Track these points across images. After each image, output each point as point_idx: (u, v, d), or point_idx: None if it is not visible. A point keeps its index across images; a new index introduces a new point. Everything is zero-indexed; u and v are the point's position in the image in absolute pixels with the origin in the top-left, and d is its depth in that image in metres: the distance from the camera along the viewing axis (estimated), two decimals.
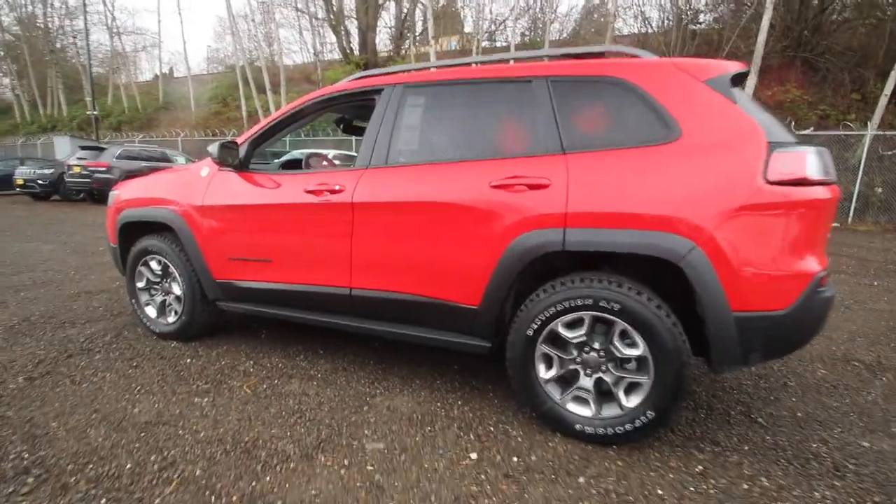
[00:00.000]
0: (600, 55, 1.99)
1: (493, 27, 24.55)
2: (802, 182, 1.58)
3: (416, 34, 25.00)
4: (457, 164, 1.96)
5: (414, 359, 2.62)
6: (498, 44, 24.39)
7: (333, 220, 2.18)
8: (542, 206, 1.76)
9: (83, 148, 12.47)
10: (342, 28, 24.55)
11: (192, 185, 2.63)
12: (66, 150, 18.91)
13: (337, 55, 27.26)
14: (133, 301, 3.00)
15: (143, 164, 11.97)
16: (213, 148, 2.34)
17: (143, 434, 1.88)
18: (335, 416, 2.02)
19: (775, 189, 1.57)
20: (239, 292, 2.58)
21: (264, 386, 2.30)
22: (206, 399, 2.16)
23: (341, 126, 3.12)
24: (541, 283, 1.87)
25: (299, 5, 28.46)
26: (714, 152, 1.64)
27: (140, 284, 2.95)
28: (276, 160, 5.02)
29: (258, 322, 3.25)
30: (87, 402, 2.15)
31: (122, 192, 3.00)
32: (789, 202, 1.57)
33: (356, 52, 23.76)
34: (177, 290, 2.80)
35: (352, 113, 2.99)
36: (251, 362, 2.59)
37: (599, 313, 1.71)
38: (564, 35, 22.90)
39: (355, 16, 24.46)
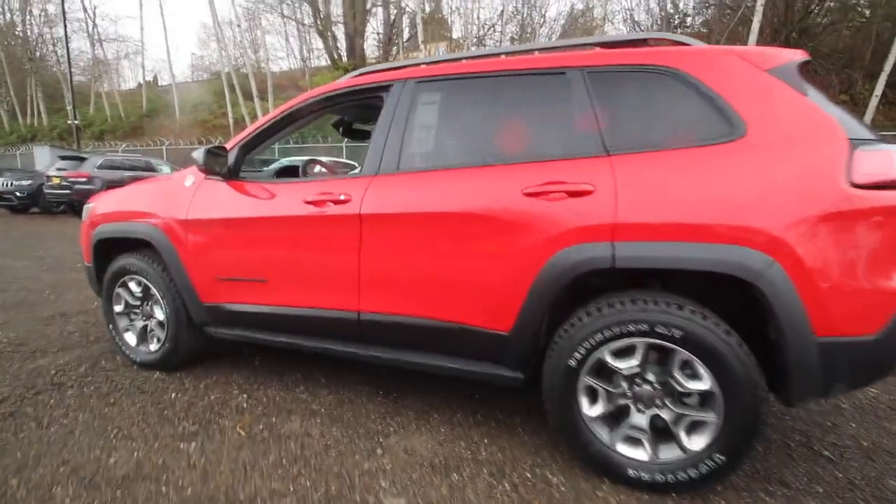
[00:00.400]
0: (643, 42, 1.76)
1: (481, 32, 24.49)
2: (892, 185, 1.36)
3: (405, 40, 24.85)
4: (481, 170, 1.71)
5: (427, 387, 2.35)
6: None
7: (338, 235, 1.91)
8: (585, 216, 1.51)
9: (63, 158, 12.00)
10: (330, 34, 24.31)
11: (174, 196, 2.34)
12: (46, 161, 18.29)
13: (325, 61, 26.98)
14: (111, 327, 2.69)
15: (127, 173, 11.53)
16: (199, 154, 2.06)
17: (119, 492, 1.59)
18: (345, 462, 1.75)
19: (862, 194, 1.34)
20: (229, 316, 2.29)
21: (261, 426, 2.01)
22: (193, 444, 1.87)
23: (340, 129, 2.85)
24: (573, 305, 1.63)
25: (285, 11, 28.19)
26: (786, 152, 1.41)
27: (118, 308, 2.65)
28: (266, 168, 4.74)
29: (251, 347, 2.95)
30: (55, 450, 1.85)
31: (97, 206, 2.70)
32: (880, 209, 1.34)
33: (344, 58, 23.52)
34: (159, 314, 2.50)
35: (353, 114, 2.73)
36: (244, 395, 2.30)
37: (656, 340, 1.46)
38: (554, 39, 22.90)
39: (343, 21, 24.25)
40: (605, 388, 1.58)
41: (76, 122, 20.45)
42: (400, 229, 1.80)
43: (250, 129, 2.24)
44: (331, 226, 1.92)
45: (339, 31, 25.69)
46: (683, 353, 1.45)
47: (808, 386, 1.41)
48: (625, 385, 1.56)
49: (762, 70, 1.50)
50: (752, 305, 1.46)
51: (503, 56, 1.88)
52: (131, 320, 2.66)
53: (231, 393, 2.33)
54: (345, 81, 2.10)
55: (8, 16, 30.96)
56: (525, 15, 23.30)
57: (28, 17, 30.04)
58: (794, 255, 1.34)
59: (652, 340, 1.47)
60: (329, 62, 25.57)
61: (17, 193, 12.36)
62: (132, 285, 2.56)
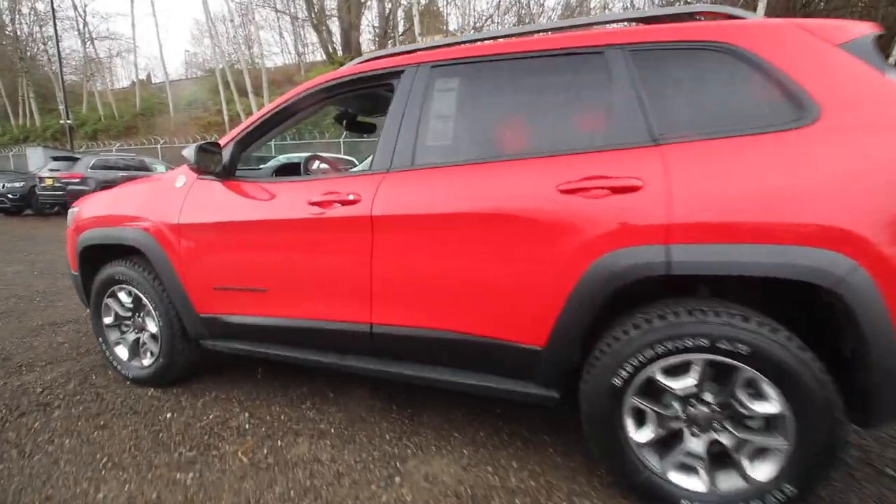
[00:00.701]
0: (689, 17, 1.56)
1: (478, 24, 24.14)
2: None
3: (400, 33, 24.48)
4: (508, 164, 1.51)
5: (444, 401, 2.17)
6: None
7: (347, 239, 1.72)
8: (633, 214, 1.32)
9: (55, 159, 11.75)
10: (324, 28, 23.93)
11: (165, 198, 2.14)
12: (39, 162, 17.99)
13: (320, 56, 26.64)
14: (101, 340, 2.50)
15: (121, 173, 11.29)
16: (190, 152, 1.86)
17: None
18: (360, 494, 1.56)
19: None
20: (227, 329, 2.10)
21: (265, 450, 1.83)
22: (190, 474, 1.69)
23: (343, 123, 2.64)
24: (615, 316, 1.44)
25: (279, 6, 27.79)
26: (868, 138, 1.22)
27: (108, 320, 2.45)
28: (263, 167, 4.52)
29: (253, 359, 2.76)
30: (38, 484, 1.66)
31: (82, 209, 2.50)
32: None
33: (340, 53, 23.18)
34: (152, 326, 2.31)
35: (358, 106, 2.52)
36: (246, 414, 2.11)
37: (717, 357, 1.28)
38: None
39: (337, 15, 23.87)
40: (654, 410, 1.39)
41: (69, 121, 20.13)
42: (416, 233, 1.60)
43: (246, 123, 2.04)
44: (338, 229, 1.73)
45: (334, 26, 25.30)
46: (749, 372, 1.26)
47: (893, 407, 1.23)
48: (678, 406, 1.38)
49: (833, 45, 1.31)
50: (819, 315, 1.28)
51: (529, 35, 1.67)
52: (122, 333, 2.47)
53: (232, 411, 2.14)
54: (349, 68, 1.89)
55: None
56: (523, 4, 22.97)
57: (17, 15, 29.56)
58: (881, 257, 1.16)
59: (712, 357, 1.28)
60: (324, 56, 25.20)
61: (10, 196, 12.13)
62: (122, 296, 2.37)
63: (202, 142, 1.90)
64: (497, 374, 1.62)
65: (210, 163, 1.92)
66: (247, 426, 2.02)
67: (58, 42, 20.26)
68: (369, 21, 26.12)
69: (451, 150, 1.67)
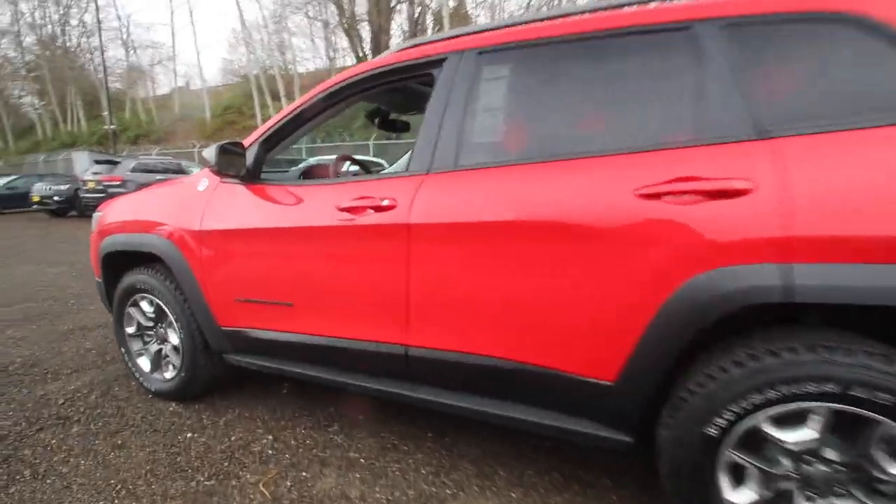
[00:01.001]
0: None
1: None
2: None
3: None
4: (573, 163, 1.27)
5: (485, 429, 1.93)
6: None
7: (380, 250, 1.52)
8: (739, 225, 1.06)
9: (98, 162, 12.17)
10: (355, 32, 24.16)
11: (187, 202, 2.00)
12: (84, 165, 18.83)
13: (350, 60, 26.90)
14: (123, 350, 2.39)
15: (159, 176, 11.57)
16: (210, 152, 1.70)
17: None
18: None
19: None
20: (251, 344, 1.94)
21: (288, 482, 1.64)
22: None
23: (376, 120, 2.45)
24: (705, 348, 1.18)
25: (311, 12, 28.26)
26: None
27: (130, 330, 2.34)
28: (292, 169, 4.41)
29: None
30: None
31: (106, 214, 2.40)
32: None
33: (369, 56, 23.32)
34: (174, 338, 2.18)
35: (392, 101, 2.33)
36: (270, 437, 1.94)
37: (848, 407, 1.00)
38: None
39: (367, 19, 24.04)
40: (758, 467, 1.13)
41: (112, 126, 21.01)
42: (461, 244, 1.38)
43: (272, 121, 1.87)
44: (371, 238, 1.53)
45: (364, 30, 25.53)
46: (892, 426, 0.98)
47: None
48: (789, 463, 1.11)
49: None
50: None
51: (594, 12, 1.42)
52: (145, 343, 2.35)
53: (255, 433, 1.98)
54: (386, 58, 1.69)
55: (49, 28, 32.23)
56: (555, 4, 22.52)
57: (67, 27, 31.17)
58: None
59: (840, 406, 1.01)
60: (354, 61, 25.45)
61: (56, 198, 12.65)
62: (144, 305, 2.25)
63: (224, 142, 1.75)
64: (555, 411, 1.38)
65: (232, 165, 1.76)
66: (270, 451, 1.84)
67: (102, 52, 21.21)
68: (399, 24, 26.24)
69: (503, 149, 1.44)
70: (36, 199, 12.84)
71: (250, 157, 1.85)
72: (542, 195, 1.28)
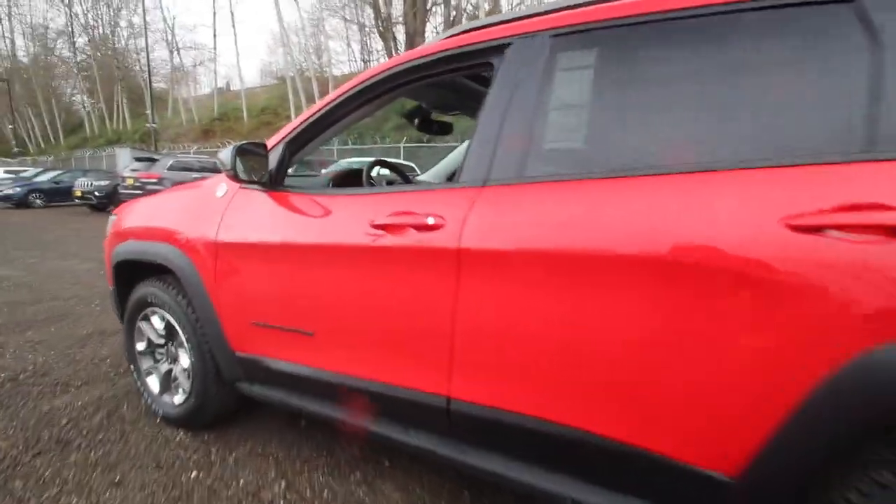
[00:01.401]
0: None
1: None
2: None
3: None
4: (689, 179, 0.95)
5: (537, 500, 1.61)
6: None
7: (422, 277, 1.23)
8: None
9: (137, 159, 12.45)
10: (391, 34, 24.22)
11: (203, 210, 1.77)
12: (126, 162, 19.50)
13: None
14: (132, 367, 2.19)
15: (195, 174, 11.72)
16: (226, 155, 1.46)
17: None
18: None
19: None
20: (267, 374, 1.68)
21: None
22: None
23: (415, 121, 2.18)
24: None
25: (347, 16, 28.59)
26: None
27: (140, 346, 2.14)
28: (323, 171, 4.18)
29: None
30: None
31: (120, 218, 2.21)
32: None
33: None
34: (184, 360, 1.95)
35: (436, 98, 2.04)
36: (283, 482, 1.68)
37: None
38: None
39: (403, 21, 24.06)
40: None
41: (154, 125, 21.67)
42: (527, 277, 1.08)
43: (300, 119, 1.62)
44: (410, 263, 1.24)
45: (399, 33, 25.57)
46: None
47: None
48: None
49: None
50: None
51: None
52: (155, 362, 2.14)
53: (266, 476, 1.72)
54: (432, 46, 1.41)
55: (100, 29, 33.79)
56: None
57: (117, 28, 32.57)
58: None
59: None
60: None
61: (97, 193, 13.02)
62: (155, 320, 2.03)
63: (243, 142, 1.50)
64: (642, 499, 1.06)
65: (252, 169, 1.52)
66: (281, 502, 1.58)
67: (148, 53, 21.92)
68: (434, 27, 26.17)
69: (586, 157, 1.12)
70: (78, 193, 13.25)
71: (273, 159, 1.60)
72: (645, 221, 0.96)
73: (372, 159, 2.07)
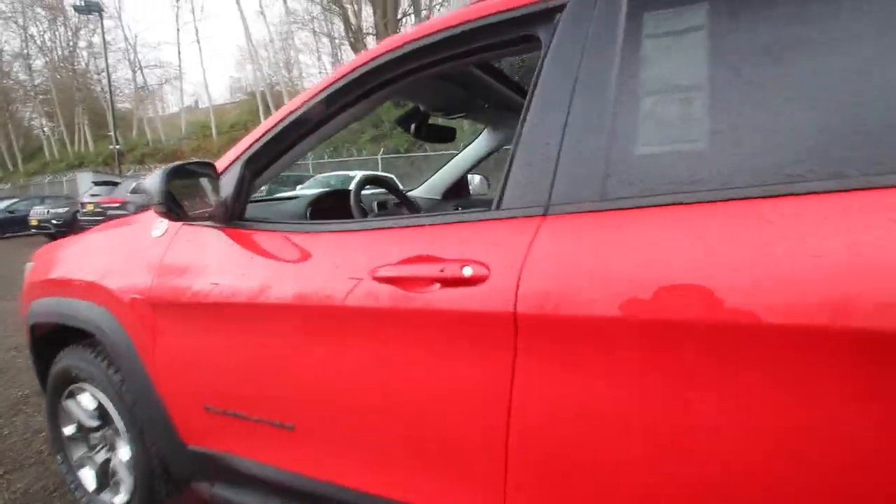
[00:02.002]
0: None
1: None
2: None
3: None
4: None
5: None
6: None
7: (456, 357, 0.82)
8: None
9: (96, 184, 11.69)
10: (362, 45, 23.88)
11: (134, 255, 1.32)
12: (87, 187, 18.51)
13: None
14: (59, 458, 1.70)
15: None
16: (154, 183, 1.01)
17: None
18: None
19: None
20: (232, 475, 1.23)
21: None
22: None
23: (411, 127, 1.75)
24: None
25: (316, 28, 28.17)
26: None
27: (68, 430, 1.65)
28: (298, 191, 3.70)
29: None
30: None
31: (38, 265, 1.72)
32: None
33: None
34: (123, 451, 1.48)
35: (437, 97, 1.62)
36: None
37: None
38: None
39: (374, 32, 23.77)
40: None
41: (117, 146, 20.74)
42: (632, 361, 0.68)
43: (263, 127, 1.19)
44: (436, 336, 0.83)
45: (371, 44, 25.24)
46: None
47: None
48: None
49: None
50: None
51: None
52: (91, 448, 1.65)
53: None
54: (450, 16, 0.99)
55: (59, 51, 32.46)
56: None
57: (76, 49, 31.33)
58: None
59: None
60: None
61: (54, 221, 12.17)
62: (83, 399, 1.56)
63: (180, 163, 1.06)
64: None
65: (196, 199, 1.07)
66: None
67: (108, 73, 21.05)
68: None
69: (707, 164, 0.72)
70: (34, 222, 12.38)
71: (228, 184, 1.17)
72: (844, 267, 0.56)
73: (360, 174, 1.64)
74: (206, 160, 1.14)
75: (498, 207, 0.83)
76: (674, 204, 0.69)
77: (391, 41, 1.05)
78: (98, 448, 1.62)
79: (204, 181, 1.11)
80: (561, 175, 0.78)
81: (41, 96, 32.00)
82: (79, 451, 1.66)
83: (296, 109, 1.13)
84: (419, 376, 0.86)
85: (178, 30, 35.61)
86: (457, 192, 2.40)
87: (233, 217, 1.17)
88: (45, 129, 31.94)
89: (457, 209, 2.34)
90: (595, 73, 0.78)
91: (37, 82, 32.90)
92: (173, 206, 1.03)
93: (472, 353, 0.79)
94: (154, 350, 1.26)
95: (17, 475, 1.99)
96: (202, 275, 1.16)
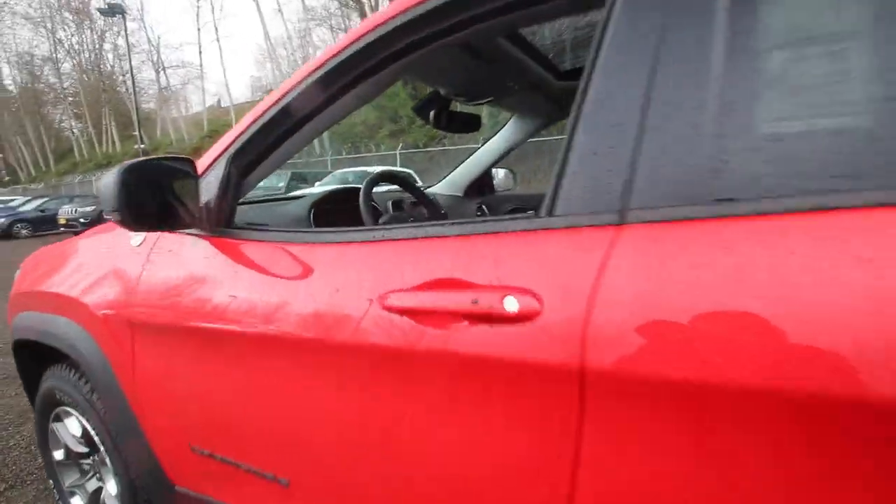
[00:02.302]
0: None
1: None
2: None
3: None
4: None
5: None
6: None
7: (498, 417, 0.60)
8: None
9: None
10: None
11: (112, 267, 1.14)
12: None
13: None
14: (51, 483, 1.56)
15: None
16: (107, 185, 0.81)
17: None
18: None
19: None
20: None
21: None
22: None
23: (430, 115, 1.52)
24: None
25: (334, 24, 28.15)
26: None
27: (58, 455, 1.51)
28: (316, 187, 3.50)
29: None
30: None
31: (25, 273, 1.58)
32: None
33: None
34: (111, 484, 1.32)
35: (461, 79, 1.38)
36: None
37: None
38: None
39: None
40: None
41: (143, 146, 21.14)
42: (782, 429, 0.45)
43: (251, 115, 0.98)
44: (467, 388, 0.61)
45: None
46: None
47: None
48: None
49: None
50: None
51: None
52: (83, 474, 1.51)
53: None
54: None
55: (86, 54, 33.32)
56: None
57: (102, 51, 32.09)
58: None
59: None
60: None
61: (81, 220, 12.43)
62: (70, 423, 1.41)
63: (144, 158, 0.86)
64: None
65: (167, 204, 0.88)
66: None
67: (132, 75, 21.42)
68: None
69: (884, 153, 0.48)
70: (62, 221, 12.68)
71: (211, 185, 0.97)
72: None
73: (378, 169, 1.41)
74: (184, 156, 0.95)
75: (550, 214, 0.61)
76: (831, 209, 0.45)
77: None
78: (90, 475, 1.48)
79: (183, 182, 0.91)
80: (644, 167, 0.55)
81: (70, 98, 32.93)
82: (70, 478, 1.52)
83: (289, 92, 0.92)
84: (445, 438, 0.65)
85: (198, 29, 36.06)
86: (480, 189, 2.18)
87: (218, 223, 0.98)
88: (75, 129, 32.87)
89: (481, 207, 2.11)
90: (694, 18, 0.55)
91: (66, 85, 33.89)
92: (134, 214, 0.83)
93: (516, 417, 0.58)
94: (134, 377, 1.08)
95: (17, 492, 1.87)
96: (181, 293, 0.97)
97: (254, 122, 0.97)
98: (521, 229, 0.62)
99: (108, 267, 1.15)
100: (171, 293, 0.99)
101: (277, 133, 0.97)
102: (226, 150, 0.98)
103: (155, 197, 0.84)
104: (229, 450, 0.95)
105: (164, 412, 1.07)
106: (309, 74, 0.90)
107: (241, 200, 1.10)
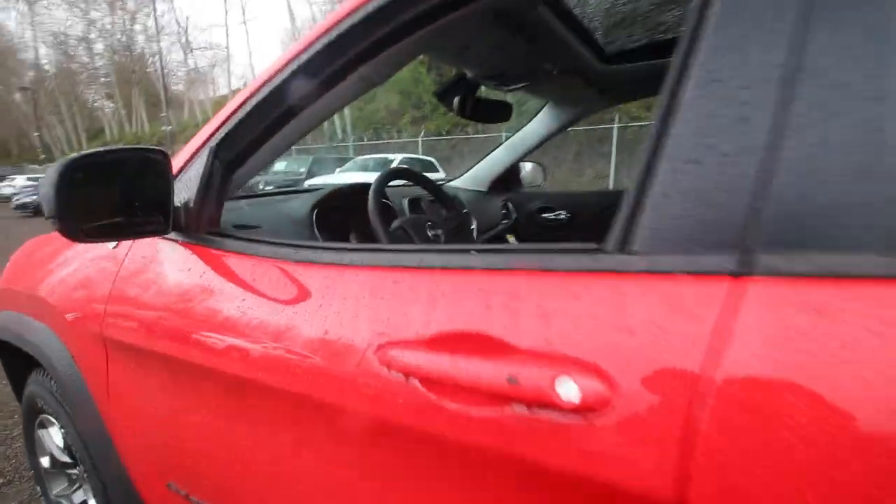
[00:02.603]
0: None
1: None
2: None
3: None
4: None
5: None
6: None
7: None
8: None
9: None
10: None
11: (92, 268, 1.00)
12: None
13: None
14: (38, 489, 1.47)
15: None
16: (47, 184, 0.65)
17: None
18: None
19: None
20: None
21: None
22: None
23: (454, 102, 1.32)
24: None
25: None
26: None
27: (45, 462, 1.41)
28: (337, 174, 3.32)
29: None
30: None
31: (9, 266, 1.46)
32: None
33: None
34: (91, 501, 1.21)
35: (489, 61, 1.14)
36: None
37: None
38: None
39: None
40: None
41: (170, 127, 21.47)
42: None
43: (242, 95, 0.81)
44: (500, 491, 0.44)
45: None
46: None
47: None
48: None
49: None
50: None
51: None
52: (71, 483, 1.41)
53: None
54: None
55: (118, 35, 33.90)
56: None
57: (132, 33, 32.59)
58: None
59: None
60: None
61: None
62: (53, 432, 1.30)
63: (102, 148, 0.70)
64: None
65: (130, 211, 0.72)
66: None
67: (161, 57, 21.70)
68: None
69: None
70: None
71: (190, 182, 0.81)
72: None
73: (399, 156, 1.20)
74: (154, 147, 0.79)
75: (622, 249, 0.42)
76: None
77: None
78: (76, 487, 1.37)
79: (154, 179, 0.75)
80: (782, 187, 0.36)
81: (102, 79, 33.63)
82: (58, 486, 1.42)
83: (289, 64, 0.74)
84: None
85: (226, 11, 36.24)
86: (506, 184, 1.98)
87: (199, 228, 0.82)
88: (107, 110, 33.64)
89: (506, 205, 1.92)
90: None
91: (98, 65, 34.60)
92: (80, 220, 0.67)
93: None
94: (108, 399, 0.95)
95: (14, 489, 1.81)
96: (153, 310, 0.82)
97: (244, 102, 0.79)
98: (581, 269, 0.43)
99: (85, 271, 1.00)
100: (141, 309, 0.84)
101: (273, 117, 0.80)
102: (208, 139, 0.81)
103: (111, 198, 0.68)
104: (206, 495, 0.81)
105: (139, 442, 0.93)
106: (312, 43, 0.71)
107: (232, 196, 0.94)
